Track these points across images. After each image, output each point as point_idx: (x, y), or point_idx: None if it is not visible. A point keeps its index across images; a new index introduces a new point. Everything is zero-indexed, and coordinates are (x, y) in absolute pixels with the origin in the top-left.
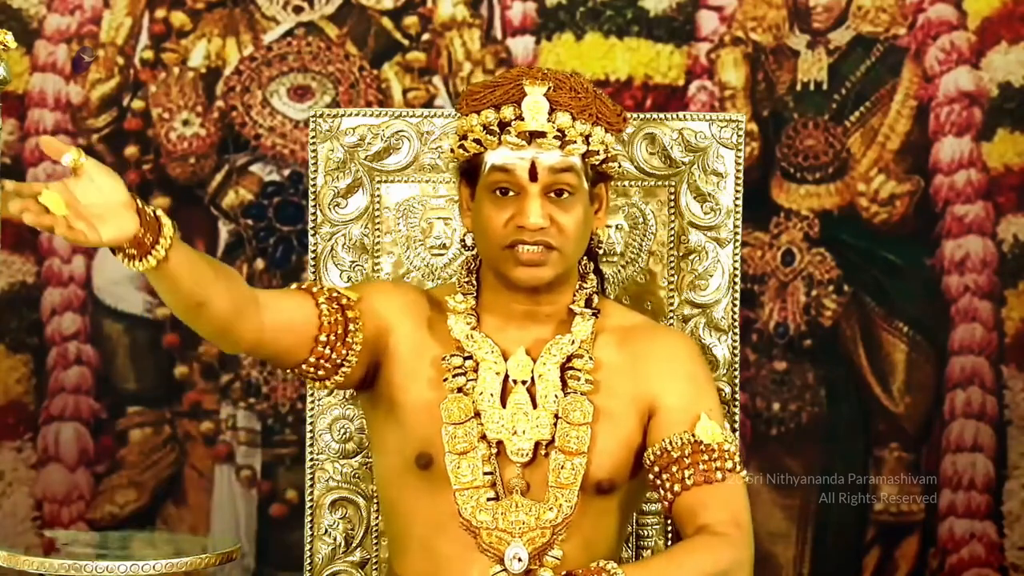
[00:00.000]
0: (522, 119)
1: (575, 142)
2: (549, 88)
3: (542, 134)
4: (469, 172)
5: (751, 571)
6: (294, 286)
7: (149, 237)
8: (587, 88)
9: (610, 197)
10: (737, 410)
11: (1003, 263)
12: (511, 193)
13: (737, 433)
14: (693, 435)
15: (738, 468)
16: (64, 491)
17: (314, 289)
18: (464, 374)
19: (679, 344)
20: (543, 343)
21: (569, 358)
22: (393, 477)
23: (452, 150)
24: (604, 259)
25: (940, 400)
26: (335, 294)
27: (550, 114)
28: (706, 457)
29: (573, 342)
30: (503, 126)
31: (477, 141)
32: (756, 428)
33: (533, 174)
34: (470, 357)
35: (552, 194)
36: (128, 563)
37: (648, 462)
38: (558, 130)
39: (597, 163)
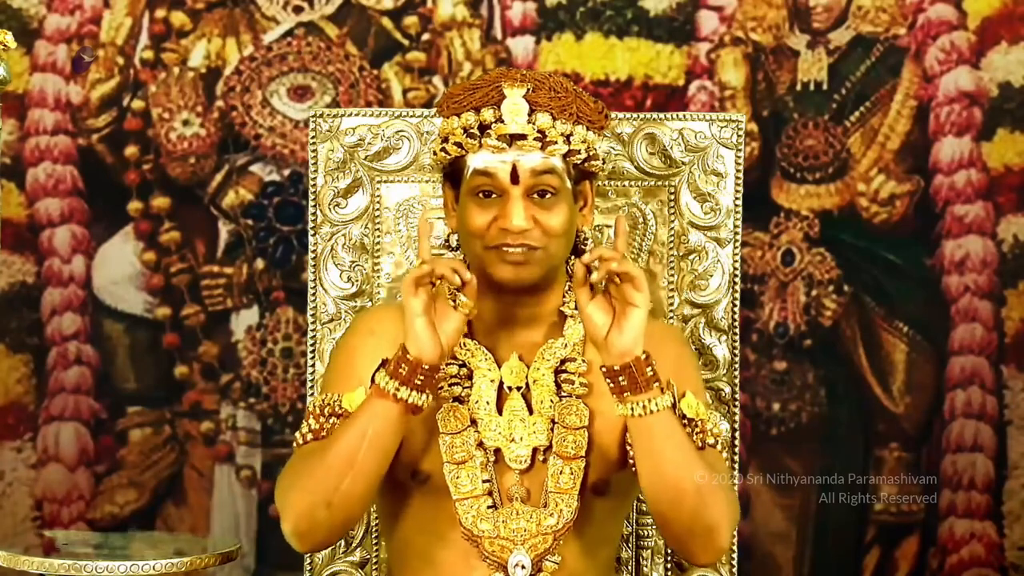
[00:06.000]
0: (502, 122)
1: (556, 143)
2: (528, 89)
3: (522, 136)
4: (452, 174)
5: (727, 530)
6: (309, 438)
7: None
8: (566, 87)
9: (596, 194)
10: (737, 410)
11: (1003, 263)
12: (494, 195)
13: (737, 433)
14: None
15: (719, 448)
16: (64, 491)
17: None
18: (459, 383)
19: (665, 332)
20: (535, 347)
21: (562, 362)
22: (390, 489)
23: (434, 152)
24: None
25: (940, 400)
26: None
27: (530, 115)
28: (688, 429)
29: (565, 345)
30: (483, 129)
31: (458, 144)
32: (756, 428)
33: (515, 177)
34: (464, 365)
35: (535, 195)
36: (128, 563)
37: (631, 440)
38: (538, 131)
39: (579, 162)
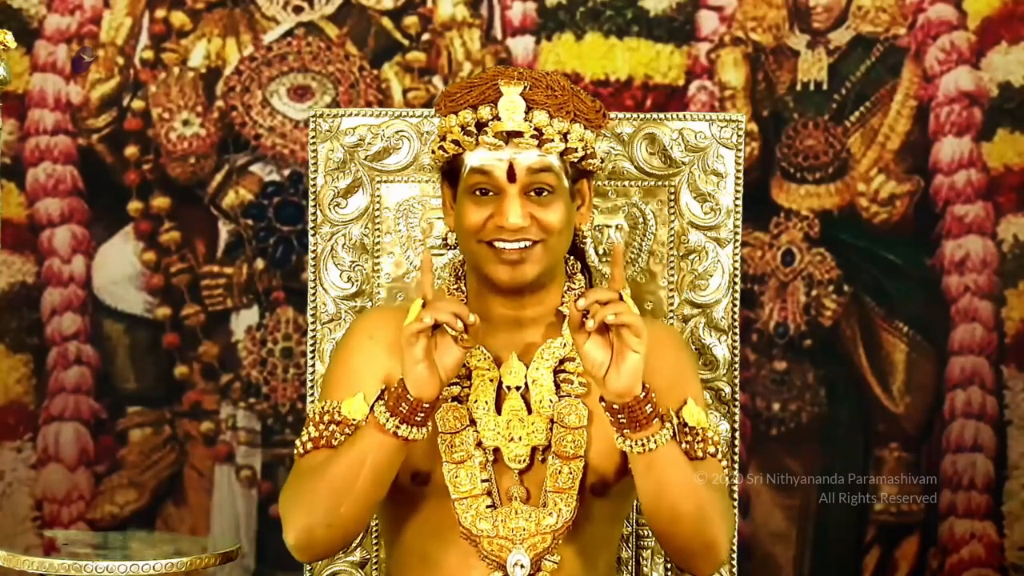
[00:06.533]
0: (499, 119)
1: (553, 140)
2: (525, 87)
3: (519, 134)
4: (450, 172)
5: (726, 545)
6: (309, 447)
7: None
8: (563, 85)
9: (594, 193)
10: (737, 410)
11: (1003, 263)
12: (491, 193)
13: (737, 433)
14: (679, 415)
15: (719, 457)
16: (64, 491)
17: (333, 443)
18: (458, 382)
19: (665, 334)
20: (534, 347)
21: (561, 361)
22: (390, 491)
23: (432, 151)
24: (604, 259)
25: (940, 400)
26: (348, 430)
27: (527, 113)
28: (689, 438)
29: (565, 345)
30: (480, 126)
31: (455, 142)
32: (756, 428)
33: (511, 175)
34: (463, 364)
35: (532, 193)
36: (128, 563)
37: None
38: (535, 129)
39: (576, 160)
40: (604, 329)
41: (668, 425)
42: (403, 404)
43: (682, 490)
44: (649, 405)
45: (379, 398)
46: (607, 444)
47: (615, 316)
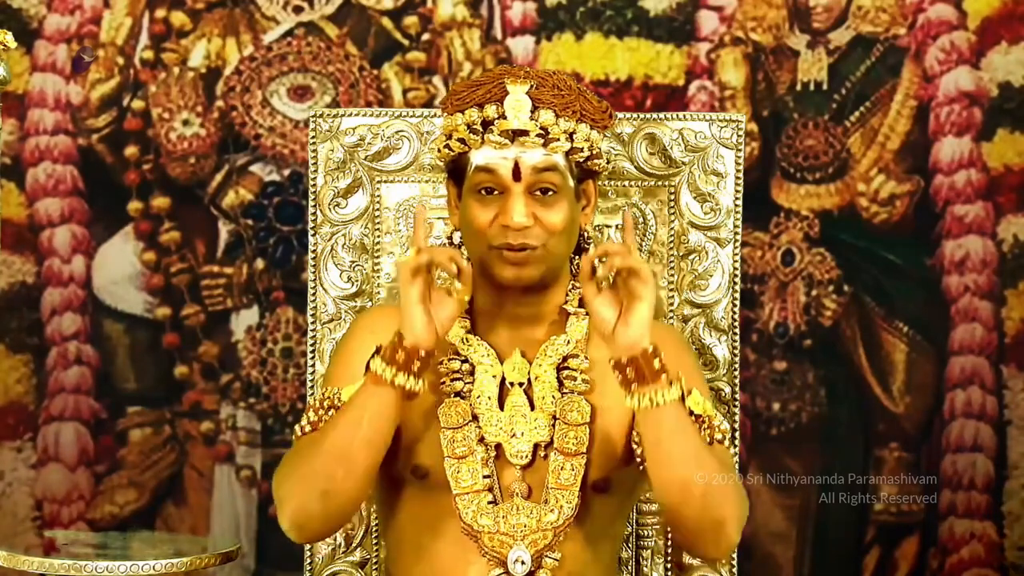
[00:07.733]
0: (505, 118)
1: (558, 140)
2: (531, 86)
3: (525, 132)
4: (455, 171)
5: (736, 524)
6: (308, 430)
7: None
8: (570, 85)
9: (598, 193)
10: (737, 410)
11: (1003, 263)
12: (496, 192)
13: (737, 433)
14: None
15: (726, 443)
16: (64, 491)
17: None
18: (461, 378)
19: (666, 334)
20: (538, 344)
21: (564, 358)
22: (388, 486)
23: (439, 150)
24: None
25: (940, 400)
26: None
27: (533, 112)
28: (696, 425)
29: (568, 342)
30: (486, 125)
31: (461, 140)
32: (756, 428)
33: (516, 174)
34: (466, 360)
35: (537, 192)
36: (128, 563)
37: (638, 438)
38: (541, 128)
39: (582, 160)
40: (613, 288)
41: (677, 386)
42: (399, 352)
43: (692, 461)
44: (657, 360)
45: (375, 354)
46: (608, 440)
47: (622, 260)
